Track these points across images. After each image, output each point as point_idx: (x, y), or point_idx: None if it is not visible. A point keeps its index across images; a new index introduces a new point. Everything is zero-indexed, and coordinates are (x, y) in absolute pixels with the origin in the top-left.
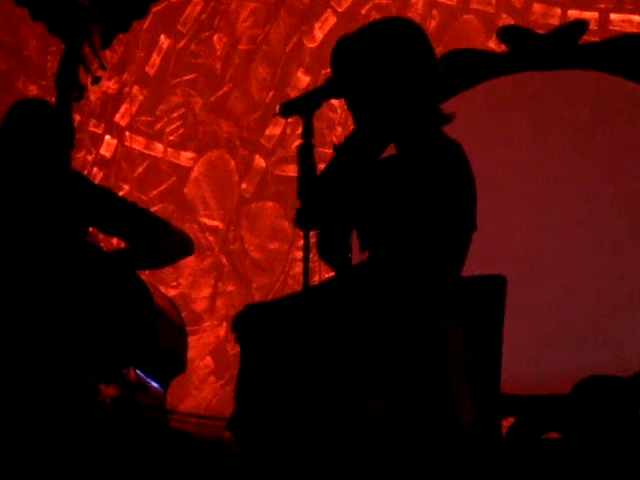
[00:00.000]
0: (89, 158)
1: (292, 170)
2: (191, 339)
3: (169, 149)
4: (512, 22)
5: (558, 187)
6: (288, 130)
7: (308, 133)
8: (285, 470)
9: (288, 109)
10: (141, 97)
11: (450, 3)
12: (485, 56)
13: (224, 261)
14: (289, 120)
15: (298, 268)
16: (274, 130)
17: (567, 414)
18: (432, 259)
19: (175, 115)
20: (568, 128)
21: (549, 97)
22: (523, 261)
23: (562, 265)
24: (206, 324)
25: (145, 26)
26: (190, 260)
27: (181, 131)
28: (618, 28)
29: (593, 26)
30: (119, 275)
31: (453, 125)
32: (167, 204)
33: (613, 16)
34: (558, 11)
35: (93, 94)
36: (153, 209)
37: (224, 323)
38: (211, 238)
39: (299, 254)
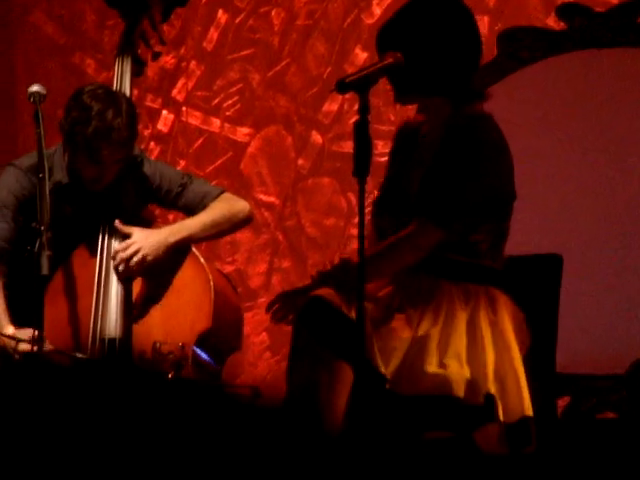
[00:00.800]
0: (146, 133)
1: (349, 146)
2: (247, 315)
3: (226, 124)
4: (571, 0)
5: (614, 166)
6: (345, 106)
7: (364, 109)
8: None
9: (344, 85)
10: (198, 72)
11: None
12: (544, 33)
13: (280, 237)
14: (346, 96)
15: (354, 244)
16: (331, 106)
17: (622, 394)
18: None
19: (232, 90)
20: (626, 106)
21: (607, 75)
22: (581, 240)
23: (621, 244)
24: (262, 300)
25: (203, 1)
26: (246, 236)
27: (238, 106)
28: None
29: None
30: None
31: (511, 100)
32: (223, 179)
33: None
34: None
35: (150, 69)
36: None
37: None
38: (267, 214)
39: (355, 231)
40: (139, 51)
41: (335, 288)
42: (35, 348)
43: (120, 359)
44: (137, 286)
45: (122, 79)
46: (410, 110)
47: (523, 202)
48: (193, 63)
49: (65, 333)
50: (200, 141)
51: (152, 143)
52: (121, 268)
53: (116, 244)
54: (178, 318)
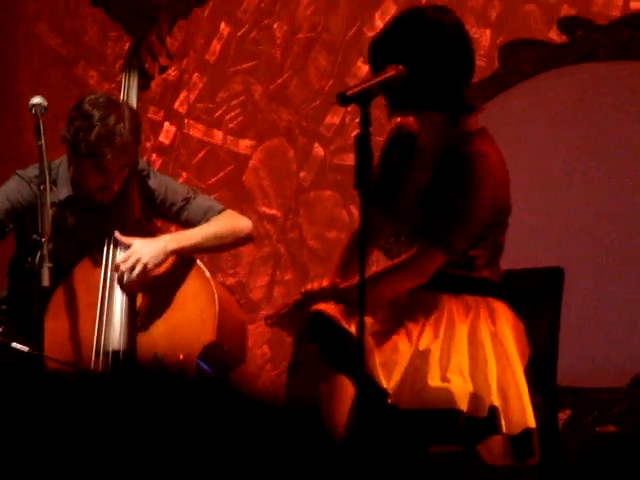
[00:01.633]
0: (148, 145)
1: (351, 159)
2: (248, 328)
3: (228, 137)
4: (573, 13)
5: (617, 179)
6: (347, 119)
7: (365, 122)
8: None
9: (346, 98)
10: (201, 84)
11: None
12: (545, 46)
13: (282, 250)
14: (348, 109)
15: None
16: (333, 119)
17: (623, 407)
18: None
19: (234, 103)
20: (627, 119)
21: (609, 88)
22: (583, 253)
23: (622, 258)
24: (263, 312)
25: (206, 13)
26: (248, 248)
27: (240, 119)
28: None
29: None
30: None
31: (512, 114)
32: (225, 192)
33: None
34: (620, 2)
35: (152, 81)
36: (211, 197)
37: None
38: (269, 226)
39: None
40: (146, 65)
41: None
42: None
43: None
44: (141, 298)
45: (129, 93)
46: None
47: (525, 215)
48: (195, 75)
49: (68, 346)
50: (202, 153)
51: (154, 155)
52: (125, 280)
53: (120, 256)
54: (182, 331)
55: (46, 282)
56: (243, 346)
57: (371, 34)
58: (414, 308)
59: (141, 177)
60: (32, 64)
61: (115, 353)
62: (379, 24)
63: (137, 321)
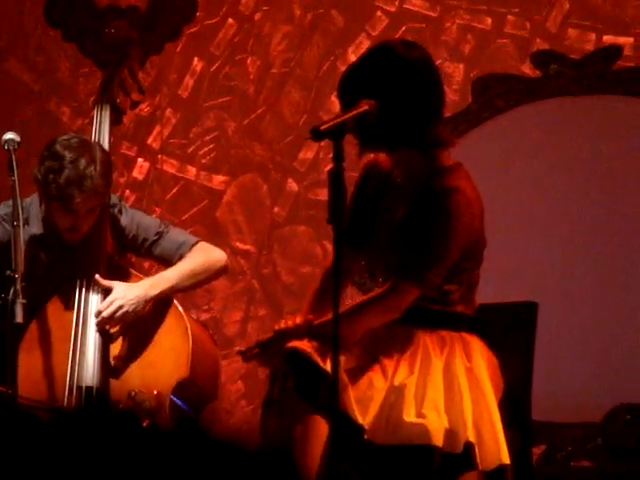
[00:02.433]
0: (121, 180)
1: (325, 194)
2: (222, 363)
3: (201, 172)
4: (547, 47)
5: (591, 214)
6: (321, 154)
7: (339, 157)
8: None
9: (319, 133)
10: (174, 120)
11: (485, 27)
12: (518, 80)
13: (256, 285)
14: (322, 144)
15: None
16: (307, 154)
17: (598, 442)
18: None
19: (208, 138)
20: (601, 154)
21: (582, 122)
22: (555, 288)
23: (594, 292)
24: (237, 348)
25: (178, 48)
26: (222, 284)
27: (214, 154)
28: None
29: (628, 51)
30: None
31: (487, 147)
32: (199, 227)
33: None
34: (593, 36)
35: (126, 117)
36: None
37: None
38: (243, 262)
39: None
40: (118, 100)
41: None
42: None
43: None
44: (115, 335)
45: (101, 128)
46: None
47: (498, 249)
48: (169, 111)
49: (41, 381)
50: (176, 189)
51: (127, 191)
52: (105, 326)
53: (94, 295)
54: (156, 367)
55: (19, 318)
56: (216, 382)
57: (345, 68)
58: (389, 343)
59: (112, 213)
60: (4, 100)
61: (88, 389)
62: (352, 59)
63: (111, 357)
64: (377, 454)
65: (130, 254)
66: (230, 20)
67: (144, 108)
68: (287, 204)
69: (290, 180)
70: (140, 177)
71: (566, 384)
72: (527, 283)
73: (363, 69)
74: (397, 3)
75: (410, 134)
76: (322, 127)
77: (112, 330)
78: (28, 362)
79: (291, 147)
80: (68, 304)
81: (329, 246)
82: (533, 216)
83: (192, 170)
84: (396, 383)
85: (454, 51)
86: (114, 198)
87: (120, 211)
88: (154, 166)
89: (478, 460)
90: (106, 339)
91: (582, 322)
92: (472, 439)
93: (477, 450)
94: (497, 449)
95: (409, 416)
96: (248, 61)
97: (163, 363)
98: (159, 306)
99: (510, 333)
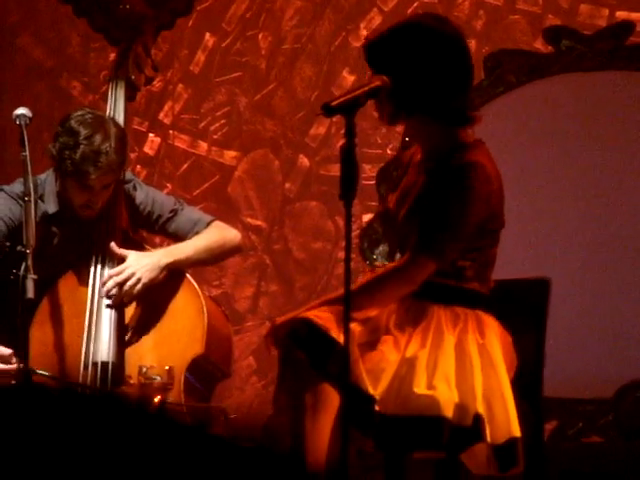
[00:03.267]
0: (132, 156)
1: (336, 170)
2: (234, 339)
3: (213, 148)
4: (559, 23)
5: (606, 188)
6: (333, 129)
7: (350, 133)
8: None
9: (330, 108)
10: (185, 95)
11: (497, 3)
12: (530, 56)
13: (267, 261)
14: (334, 119)
15: (341, 268)
16: (318, 129)
17: (609, 418)
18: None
19: (219, 114)
20: (613, 129)
21: (594, 98)
22: (569, 263)
23: (610, 268)
24: (249, 324)
25: (190, 24)
26: (233, 260)
27: (225, 130)
28: None
29: None
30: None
31: (499, 124)
32: (210, 203)
33: None
34: (606, 12)
35: (138, 92)
36: (196, 208)
37: (267, 323)
38: (254, 237)
39: (342, 254)
40: (132, 76)
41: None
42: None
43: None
44: (130, 310)
45: (116, 104)
46: (397, 134)
47: (511, 225)
48: (180, 86)
49: (53, 358)
50: (187, 164)
51: (138, 166)
52: (114, 292)
53: (109, 270)
54: (171, 343)
55: (30, 294)
56: (230, 358)
57: (357, 44)
58: (403, 317)
59: (127, 189)
60: (16, 75)
61: (104, 365)
62: (364, 34)
63: (126, 333)
64: (388, 424)
65: (142, 230)
66: None
67: (155, 83)
68: (298, 180)
69: (301, 156)
70: (151, 152)
71: (578, 360)
72: (538, 260)
73: (393, 40)
74: None
75: (434, 106)
76: (333, 103)
77: (125, 299)
78: (40, 337)
79: (303, 123)
80: (81, 280)
81: (341, 222)
82: (544, 191)
83: (203, 145)
84: (408, 355)
85: (466, 27)
86: (129, 174)
87: (135, 187)
88: (165, 141)
89: (488, 433)
90: (119, 311)
91: (594, 298)
92: (482, 412)
93: (487, 424)
94: (507, 423)
95: (419, 387)
96: (260, 36)
97: (178, 339)
98: (174, 282)
99: (522, 309)
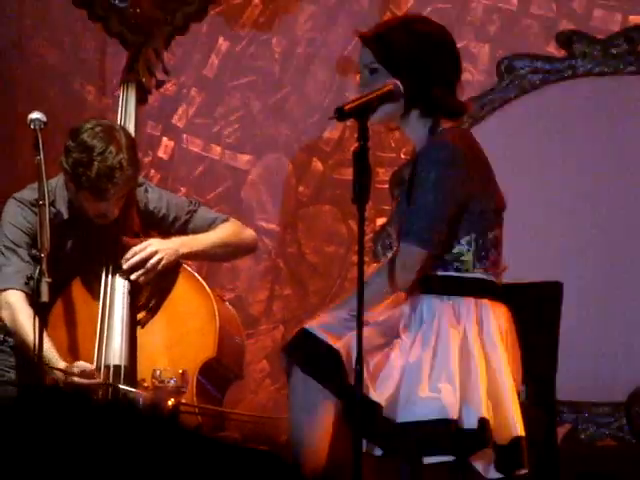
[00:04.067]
0: (146, 160)
1: (350, 173)
2: (247, 342)
3: (226, 151)
4: (572, 27)
5: (620, 192)
6: (346, 133)
7: (363, 136)
8: None
9: (343, 112)
10: (199, 99)
11: (510, 8)
12: (543, 60)
13: (281, 264)
14: (347, 123)
15: (355, 272)
16: (332, 133)
17: (622, 422)
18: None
19: (233, 118)
20: (626, 135)
21: (608, 103)
22: (578, 267)
23: (622, 271)
24: (262, 327)
25: (204, 28)
26: (247, 263)
27: (239, 134)
28: None
29: None
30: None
31: (511, 128)
32: (224, 207)
33: None
34: (619, 17)
35: (151, 96)
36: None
37: (280, 326)
38: (267, 241)
39: (356, 258)
40: (143, 79)
41: None
42: (88, 381)
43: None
44: (142, 313)
45: (127, 107)
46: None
47: (523, 228)
48: (194, 90)
49: (66, 360)
50: (200, 168)
51: (152, 170)
52: (135, 263)
53: (119, 274)
54: (183, 346)
55: (45, 297)
56: (242, 361)
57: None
58: (409, 318)
59: (139, 193)
60: (30, 79)
61: (116, 368)
62: None
63: (138, 336)
64: (395, 431)
65: (154, 232)
66: (255, 0)
67: (169, 87)
68: (312, 183)
69: (315, 159)
70: (165, 156)
71: (591, 364)
72: (551, 261)
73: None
74: None
75: (420, 100)
76: (346, 107)
77: (142, 278)
78: (53, 339)
79: (316, 126)
80: (93, 282)
81: (354, 226)
82: (556, 196)
83: (217, 149)
84: (412, 360)
85: (480, 31)
86: (140, 178)
87: (147, 190)
88: (179, 145)
89: (493, 435)
90: (132, 313)
91: (607, 301)
92: (486, 415)
93: (492, 423)
94: (511, 422)
95: (424, 392)
96: (273, 41)
97: (190, 342)
98: (186, 285)
99: (535, 313)
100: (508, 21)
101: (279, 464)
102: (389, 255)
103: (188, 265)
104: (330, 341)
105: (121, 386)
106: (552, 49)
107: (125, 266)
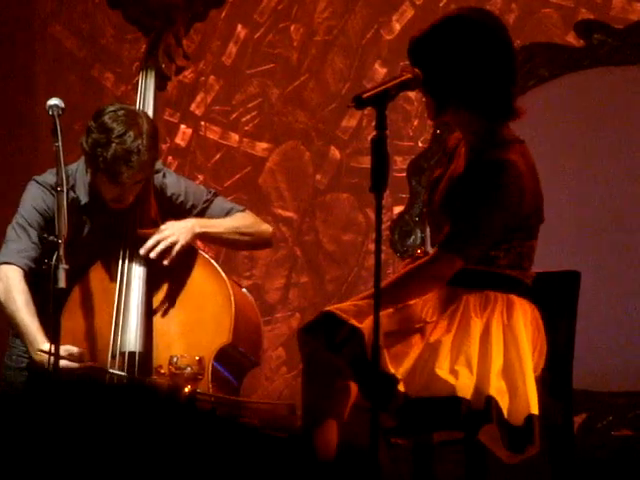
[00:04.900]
0: (164, 147)
1: (367, 162)
2: (264, 330)
3: (244, 139)
4: (591, 17)
5: (632, 182)
6: (364, 122)
7: (381, 125)
8: None
9: (361, 101)
10: (217, 87)
11: None
12: (562, 49)
13: (298, 252)
14: (365, 112)
15: (371, 260)
16: (350, 121)
17: (638, 411)
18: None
19: (251, 105)
20: None
21: (626, 92)
22: (599, 257)
23: (636, 261)
24: (279, 315)
25: (222, 15)
26: (264, 251)
27: (257, 121)
28: None
29: None
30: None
31: (530, 117)
32: (241, 194)
33: None
34: (638, 7)
35: (169, 83)
36: (227, 199)
37: (297, 314)
38: (285, 229)
39: (373, 246)
40: (163, 65)
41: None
42: (74, 364)
43: (140, 373)
44: (158, 300)
45: (146, 93)
46: (429, 127)
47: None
48: (212, 78)
49: (82, 346)
50: (218, 156)
51: (170, 157)
52: (152, 245)
53: (137, 261)
54: (198, 332)
55: (62, 283)
56: (258, 348)
57: (388, 37)
58: (435, 306)
59: (157, 179)
60: (48, 66)
61: (131, 354)
62: (397, 27)
63: (154, 322)
64: (410, 406)
65: (171, 219)
66: None
67: (187, 75)
68: (329, 172)
69: (333, 147)
70: (183, 143)
71: (608, 353)
72: (568, 251)
73: (435, 34)
74: None
75: (474, 100)
76: (364, 95)
77: (162, 257)
78: (70, 326)
79: (334, 115)
80: (111, 269)
81: (371, 214)
82: (575, 184)
83: (235, 137)
84: (432, 340)
85: None
86: (158, 164)
87: (165, 175)
88: (197, 132)
89: (506, 411)
90: (148, 300)
91: (624, 291)
92: (493, 394)
93: (504, 402)
94: (527, 401)
95: (441, 370)
96: (292, 28)
97: (205, 329)
98: (202, 272)
99: (552, 302)
100: (527, 10)
101: (296, 449)
102: (407, 244)
103: (205, 252)
104: (352, 322)
105: (111, 370)
106: (571, 38)
107: (142, 251)
